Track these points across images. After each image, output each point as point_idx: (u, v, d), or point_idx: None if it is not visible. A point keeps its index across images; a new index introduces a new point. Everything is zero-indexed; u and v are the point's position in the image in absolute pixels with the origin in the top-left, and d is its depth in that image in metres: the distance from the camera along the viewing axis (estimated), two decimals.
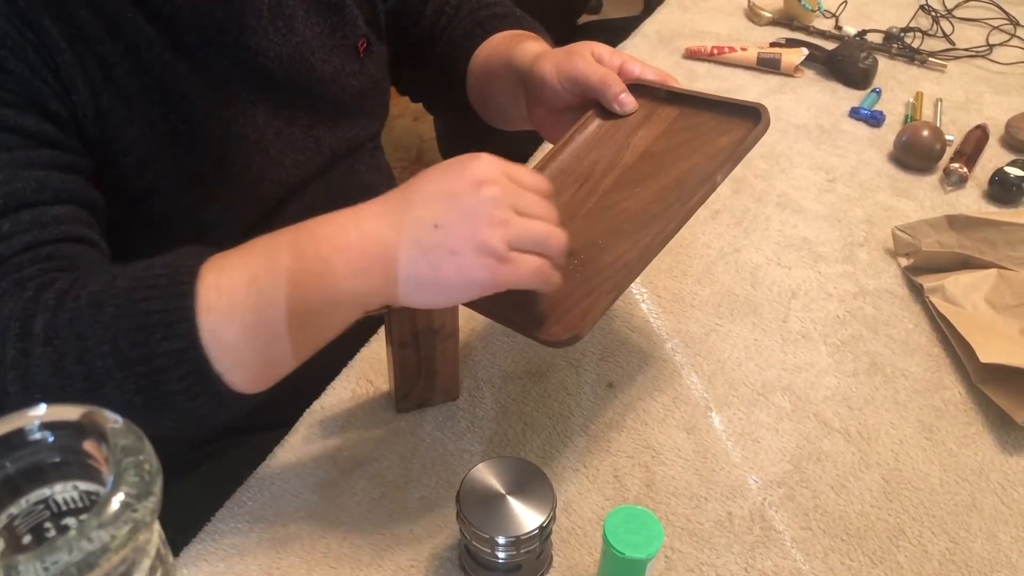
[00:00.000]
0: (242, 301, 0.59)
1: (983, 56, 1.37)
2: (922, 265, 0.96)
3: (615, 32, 1.42)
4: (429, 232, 0.60)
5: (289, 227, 0.63)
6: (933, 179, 1.12)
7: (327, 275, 0.60)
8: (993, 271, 0.93)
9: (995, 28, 1.43)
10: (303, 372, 0.85)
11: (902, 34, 1.38)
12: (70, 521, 0.31)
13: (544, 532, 0.64)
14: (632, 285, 0.95)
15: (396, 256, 0.60)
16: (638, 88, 0.83)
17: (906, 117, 1.22)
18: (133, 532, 0.26)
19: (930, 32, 1.41)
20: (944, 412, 0.83)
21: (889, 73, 1.32)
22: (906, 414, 0.82)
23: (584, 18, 2.33)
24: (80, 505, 0.32)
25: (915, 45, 1.37)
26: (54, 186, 0.67)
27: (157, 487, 0.27)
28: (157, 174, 0.76)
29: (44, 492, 0.31)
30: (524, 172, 0.65)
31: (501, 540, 0.63)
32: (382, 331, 0.83)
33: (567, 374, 0.85)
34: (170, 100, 0.76)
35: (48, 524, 0.32)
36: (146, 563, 0.27)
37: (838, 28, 1.42)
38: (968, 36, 1.42)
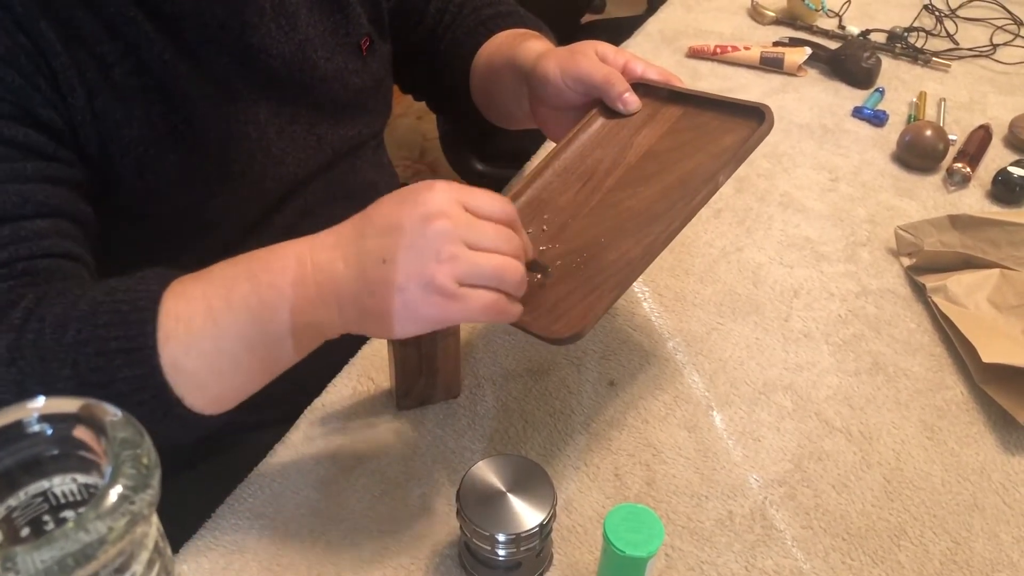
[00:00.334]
0: (199, 330, 0.60)
1: (987, 56, 1.37)
2: (924, 265, 0.96)
3: (618, 31, 1.42)
4: (377, 267, 0.59)
5: (247, 254, 0.63)
6: (936, 179, 1.11)
7: (282, 306, 0.61)
8: (996, 271, 0.92)
9: (999, 28, 1.43)
10: (304, 369, 0.85)
11: (905, 34, 1.38)
12: (69, 514, 0.31)
13: (544, 530, 0.64)
14: (634, 283, 0.94)
15: (346, 290, 0.61)
16: (642, 87, 0.82)
17: (909, 117, 1.22)
18: (131, 524, 0.26)
19: (934, 32, 1.41)
20: (946, 412, 0.82)
21: (892, 73, 1.32)
22: (908, 414, 0.82)
23: (587, 17, 2.32)
24: (79, 498, 0.32)
25: (919, 45, 1.37)
26: (37, 199, 0.66)
27: (155, 480, 0.27)
28: (156, 173, 0.76)
29: (43, 485, 0.31)
30: (483, 200, 0.62)
31: (501, 538, 0.63)
32: None
33: (568, 372, 0.84)
34: (171, 99, 0.76)
35: (47, 517, 0.32)
36: (144, 556, 0.27)
37: (841, 27, 1.42)
38: (972, 36, 1.42)
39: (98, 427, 0.29)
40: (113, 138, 0.73)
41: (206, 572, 0.68)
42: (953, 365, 0.87)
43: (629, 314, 0.91)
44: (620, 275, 0.68)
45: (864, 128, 1.21)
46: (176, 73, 0.76)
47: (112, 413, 0.29)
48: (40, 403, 0.31)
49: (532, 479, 0.66)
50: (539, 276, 0.70)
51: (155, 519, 0.29)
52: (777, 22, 1.44)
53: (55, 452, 0.30)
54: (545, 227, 0.76)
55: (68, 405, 0.31)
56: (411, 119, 2.85)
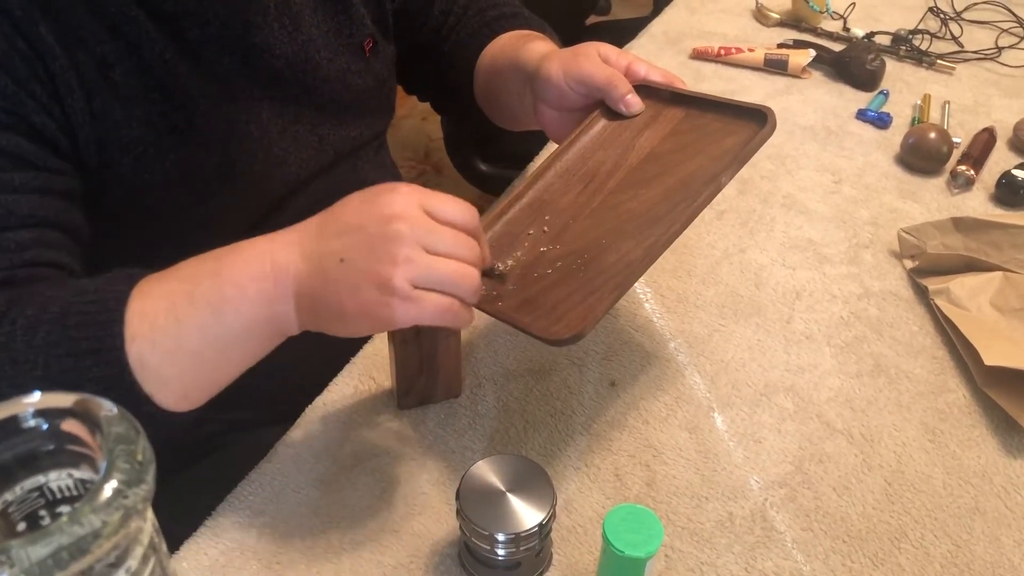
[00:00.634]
0: (163, 327, 0.61)
1: (992, 59, 1.36)
2: (927, 267, 0.96)
3: (623, 33, 1.42)
4: (335, 266, 0.61)
5: (211, 252, 0.65)
6: (940, 181, 1.11)
7: (242, 302, 0.62)
8: (999, 274, 0.92)
9: (1004, 31, 1.42)
10: (305, 369, 0.86)
11: (910, 36, 1.38)
12: (65, 509, 0.31)
13: (544, 530, 0.64)
14: (636, 285, 0.94)
15: (306, 287, 0.62)
16: (644, 89, 0.83)
17: (913, 119, 1.22)
18: (125, 519, 0.26)
19: (938, 34, 1.40)
20: (948, 415, 0.82)
21: (897, 75, 1.32)
22: (909, 416, 0.82)
23: (592, 19, 2.32)
24: (75, 493, 0.32)
25: (923, 47, 1.36)
26: (23, 211, 0.67)
27: (149, 475, 0.27)
28: (156, 172, 0.76)
29: (39, 480, 0.31)
30: (446, 206, 0.63)
31: (500, 537, 0.63)
32: None
33: (570, 373, 0.85)
34: (172, 99, 0.76)
35: (43, 512, 0.32)
36: (139, 551, 0.27)
37: (846, 30, 1.42)
38: (977, 39, 1.41)
39: (93, 422, 0.29)
40: (112, 138, 0.73)
41: (206, 570, 0.68)
42: (955, 368, 0.87)
43: (631, 315, 0.91)
44: (620, 277, 0.68)
45: (868, 130, 1.20)
46: (177, 73, 0.76)
47: (107, 408, 0.29)
48: (35, 398, 0.31)
49: (532, 479, 0.66)
50: (496, 283, 0.71)
51: (150, 514, 0.29)
52: (781, 24, 1.44)
53: (50, 447, 0.30)
54: (546, 228, 0.76)
55: (63, 400, 0.31)
56: (416, 120, 2.85)
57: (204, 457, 0.93)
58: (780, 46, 1.36)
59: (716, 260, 0.98)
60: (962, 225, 0.96)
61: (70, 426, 0.30)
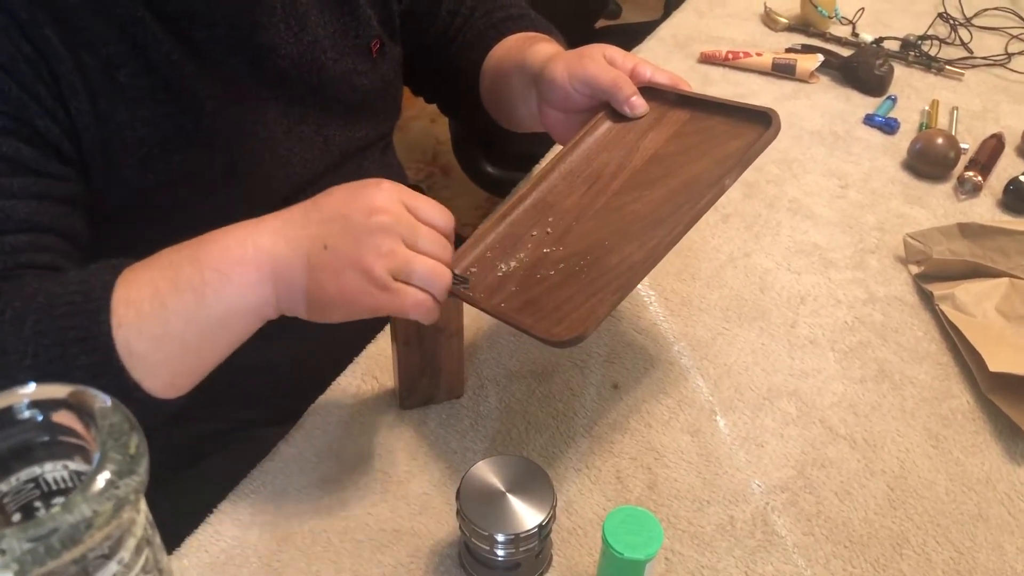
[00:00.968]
0: (148, 313, 0.63)
1: (1001, 65, 1.36)
2: (933, 273, 0.95)
3: (632, 36, 1.42)
4: (319, 252, 0.63)
5: (194, 239, 0.66)
6: (947, 187, 1.11)
7: (223, 287, 0.63)
8: (1005, 280, 0.92)
9: (1014, 37, 1.42)
10: (309, 368, 0.86)
11: (919, 42, 1.37)
12: (60, 501, 0.32)
13: (543, 531, 0.64)
14: (640, 287, 0.94)
15: (286, 272, 0.64)
16: (650, 91, 0.83)
17: (921, 125, 1.21)
18: (117, 509, 0.26)
19: (948, 40, 1.40)
20: (952, 421, 0.82)
21: (905, 81, 1.31)
22: (913, 422, 0.82)
23: (601, 22, 2.33)
24: (70, 485, 0.32)
25: (932, 53, 1.36)
26: (19, 216, 0.68)
27: (141, 467, 0.27)
28: (160, 172, 0.77)
29: (34, 471, 0.31)
30: (425, 205, 0.66)
31: (500, 538, 0.63)
32: (388, 328, 0.83)
33: (572, 375, 0.84)
34: (178, 99, 0.76)
35: (38, 503, 0.32)
36: (131, 542, 0.27)
37: (855, 35, 1.42)
38: (987, 45, 1.41)
39: (87, 414, 0.30)
40: (117, 139, 0.74)
41: (207, 567, 0.69)
42: (960, 374, 0.86)
43: (635, 318, 0.91)
44: (623, 278, 0.68)
45: (875, 136, 1.20)
46: (183, 73, 0.76)
47: (101, 400, 0.29)
48: (30, 389, 0.32)
49: (532, 480, 0.66)
50: (462, 286, 0.72)
51: (144, 507, 0.29)
52: (790, 29, 1.43)
53: (45, 439, 0.31)
54: (549, 230, 0.76)
55: (57, 391, 0.31)
56: (424, 122, 2.86)
57: (208, 456, 0.93)
58: (788, 51, 1.35)
59: (721, 264, 0.98)
60: (968, 231, 0.96)
61: (64, 418, 0.30)
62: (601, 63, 0.83)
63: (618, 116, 0.82)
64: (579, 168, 0.80)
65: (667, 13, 1.70)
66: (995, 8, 1.48)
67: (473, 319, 0.88)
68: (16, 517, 0.31)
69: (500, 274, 0.74)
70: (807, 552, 0.71)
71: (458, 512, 0.65)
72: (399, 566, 0.69)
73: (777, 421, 0.81)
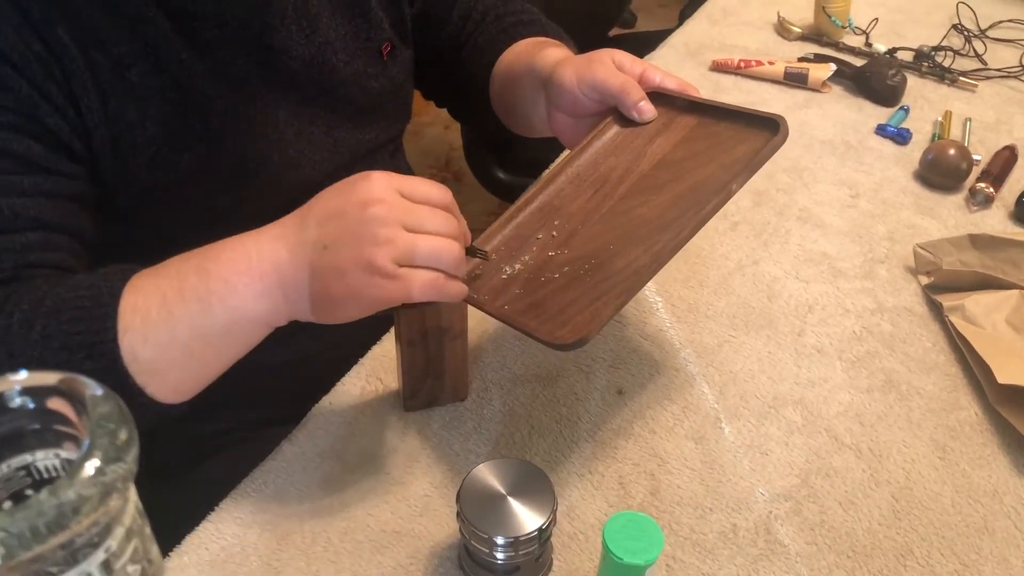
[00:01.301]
0: (155, 321, 0.63)
1: (1016, 77, 1.35)
2: (942, 284, 0.95)
3: (646, 45, 1.42)
4: (319, 253, 0.63)
5: (200, 249, 0.67)
6: (958, 198, 1.10)
7: (229, 296, 0.64)
8: (1016, 292, 0.91)
9: None
10: (314, 370, 0.86)
11: (933, 53, 1.37)
12: None
13: (543, 534, 0.64)
14: (647, 293, 0.94)
15: (291, 278, 0.64)
16: (658, 97, 0.82)
17: (933, 136, 1.21)
18: (104, 496, 0.26)
19: (962, 51, 1.39)
20: (959, 432, 0.81)
21: (918, 91, 1.31)
22: (920, 433, 0.81)
23: (616, 31, 2.33)
24: (61, 473, 0.32)
25: (946, 64, 1.35)
26: (30, 214, 0.68)
27: (130, 456, 0.27)
28: (168, 171, 0.77)
29: (26, 459, 0.31)
30: (418, 185, 0.66)
31: (499, 540, 0.63)
32: (393, 329, 0.84)
33: (577, 379, 0.84)
34: (187, 99, 0.77)
35: (29, 491, 0.32)
36: (119, 531, 0.27)
37: (868, 45, 1.41)
38: (1001, 57, 1.40)
39: (78, 401, 0.30)
40: (127, 138, 0.74)
41: (206, 564, 0.69)
42: (968, 385, 0.86)
43: (641, 324, 0.91)
44: (627, 282, 0.68)
45: (887, 146, 1.19)
46: (193, 73, 0.76)
47: (92, 388, 0.30)
48: (22, 376, 0.32)
49: (533, 483, 0.66)
50: (479, 255, 0.73)
51: (133, 496, 0.29)
52: (803, 38, 1.43)
53: (36, 426, 0.31)
54: (555, 233, 0.76)
55: (48, 379, 0.31)
56: (438, 128, 2.87)
57: (214, 456, 0.93)
58: (801, 60, 1.35)
59: (729, 271, 0.98)
60: (979, 242, 0.95)
61: (56, 405, 0.30)
62: (610, 68, 0.83)
63: (626, 121, 0.82)
64: (586, 172, 0.80)
65: (682, 23, 1.70)
66: (1010, 20, 1.47)
67: (479, 322, 0.88)
68: (7, 505, 0.32)
69: (505, 276, 0.74)
70: (810, 562, 0.71)
71: (458, 514, 0.64)
72: (399, 567, 0.69)
73: (782, 429, 0.81)
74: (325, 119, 0.90)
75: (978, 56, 1.39)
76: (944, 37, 1.42)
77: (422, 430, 0.79)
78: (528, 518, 0.63)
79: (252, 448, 0.80)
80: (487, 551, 0.64)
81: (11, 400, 0.30)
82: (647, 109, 0.81)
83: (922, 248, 0.97)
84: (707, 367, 0.86)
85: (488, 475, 0.66)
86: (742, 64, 1.32)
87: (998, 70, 1.36)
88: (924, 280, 0.96)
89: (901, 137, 1.19)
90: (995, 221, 1.07)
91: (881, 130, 1.21)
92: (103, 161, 0.74)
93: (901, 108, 1.26)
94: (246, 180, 0.83)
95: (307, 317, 0.66)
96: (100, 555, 0.27)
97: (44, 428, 0.30)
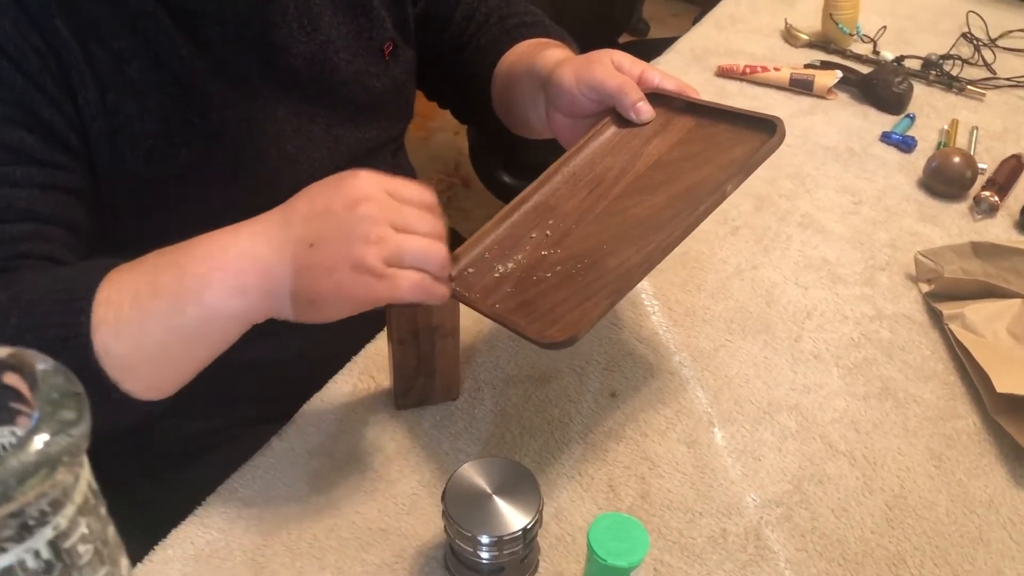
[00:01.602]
0: (127, 317, 0.62)
1: None
2: (943, 292, 0.94)
3: (655, 51, 1.41)
4: (305, 251, 0.62)
5: (177, 244, 0.65)
6: (963, 207, 1.09)
7: (204, 293, 0.62)
8: (1018, 301, 0.90)
9: None
10: (311, 366, 0.86)
11: (941, 61, 1.36)
12: None
13: (528, 535, 0.63)
14: (644, 297, 0.94)
15: (273, 275, 0.63)
16: (657, 98, 0.82)
17: (939, 144, 1.20)
18: (50, 469, 0.26)
19: (971, 60, 1.38)
20: (956, 441, 0.80)
21: (925, 100, 1.30)
22: (915, 441, 0.80)
23: (625, 37, 2.33)
24: None
25: (954, 73, 1.34)
26: (21, 206, 0.68)
27: (78, 430, 0.27)
28: (166, 166, 0.77)
29: None
30: (406, 186, 0.66)
31: (484, 539, 0.62)
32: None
33: (570, 381, 0.84)
34: (187, 94, 0.77)
35: None
36: (69, 509, 0.27)
37: (876, 53, 1.40)
38: (1011, 66, 1.39)
39: (29, 376, 0.29)
40: (125, 132, 0.74)
41: (191, 559, 0.68)
42: (967, 395, 0.85)
43: (636, 327, 0.90)
44: (619, 282, 0.67)
45: (892, 153, 1.19)
46: (193, 68, 0.76)
47: (43, 362, 0.29)
48: None
49: (519, 483, 0.65)
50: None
51: (87, 475, 0.29)
52: (810, 45, 1.42)
53: None
54: (549, 232, 0.76)
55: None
56: (448, 134, 2.87)
57: (207, 453, 0.93)
58: (807, 66, 1.34)
59: (727, 276, 0.97)
60: (981, 250, 0.94)
61: (11, 380, 0.30)
62: (609, 68, 0.83)
63: (624, 122, 0.82)
64: (582, 172, 0.80)
65: None
66: (1020, 30, 1.46)
67: (473, 322, 0.88)
68: None
69: (497, 275, 0.73)
70: (799, 568, 0.70)
71: (443, 513, 0.64)
72: (383, 566, 0.68)
73: (776, 435, 0.80)
74: (325, 117, 0.90)
75: (987, 65, 1.38)
76: (953, 46, 1.41)
77: (412, 429, 0.79)
78: (513, 518, 0.63)
79: (248, 446, 0.80)
80: (471, 550, 0.63)
81: None
82: (645, 110, 0.81)
83: (924, 255, 0.96)
84: (702, 371, 0.86)
85: (474, 474, 0.65)
86: (747, 70, 1.32)
87: (1007, 79, 1.35)
88: (925, 288, 0.95)
89: (906, 144, 1.18)
90: (999, 230, 1.06)
91: (886, 137, 1.20)
92: (100, 154, 0.74)
93: (907, 116, 1.25)
94: (244, 176, 0.83)
95: (287, 315, 0.64)
96: (48, 532, 0.27)
97: (1, 407, 0.30)
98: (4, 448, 0.31)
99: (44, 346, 0.61)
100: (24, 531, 0.26)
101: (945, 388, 0.85)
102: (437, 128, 2.84)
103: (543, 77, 0.88)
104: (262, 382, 0.90)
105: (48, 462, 0.26)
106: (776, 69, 1.31)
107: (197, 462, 0.93)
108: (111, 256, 0.72)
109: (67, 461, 0.26)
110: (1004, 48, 1.43)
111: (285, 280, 0.63)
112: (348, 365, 0.85)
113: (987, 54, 1.40)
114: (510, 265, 0.74)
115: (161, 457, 0.96)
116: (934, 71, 1.34)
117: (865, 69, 1.33)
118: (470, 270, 0.74)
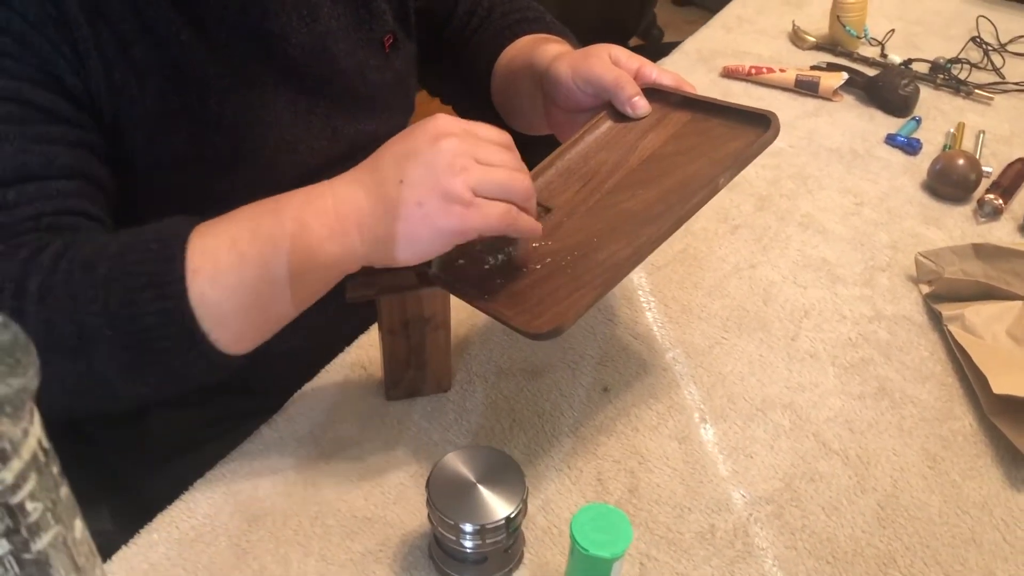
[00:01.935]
0: (225, 263, 0.62)
1: None
2: (943, 293, 0.93)
3: (663, 53, 1.41)
4: (395, 188, 0.63)
5: (272, 196, 0.66)
6: (966, 209, 1.08)
7: (304, 237, 0.63)
8: (1018, 303, 0.89)
9: None
10: (306, 358, 0.86)
11: (949, 65, 1.35)
12: None
13: (511, 524, 0.63)
14: (640, 293, 0.93)
15: (367, 216, 0.63)
16: (654, 93, 0.82)
17: (944, 147, 1.19)
18: None
19: (979, 64, 1.37)
20: (951, 442, 0.79)
21: (932, 103, 1.29)
22: (910, 441, 0.79)
23: (635, 41, 2.32)
24: None
25: (962, 76, 1.33)
26: (62, 161, 0.69)
27: (16, 381, 0.27)
28: (165, 148, 0.77)
29: None
30: (483, 126, 0.67)
31: (467, 528, 0.62)
32: None
33: (563, 375, 0.83)
34: (185, 78, 0.77)
35: None
36: (15, 464, 0.27)
37: (883, 56, 1.40)
38: (1020, 71, 1.37)
39: None
40: (127, 112, 0.75)
41: (175, 542, 0.68)
42: (964, 396, 0.84)
43: (631, 323, 0.90)
44: (608, 274, 0.67)
45: (896, 155, 1.18)
46: (192, 54, 0.77)
47: None
48: None
49: (504, 472, 0.65)
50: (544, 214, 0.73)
51: (36, 431, 0.28)
52: (817, 47, 1.42)
53: None
54: (541, 224, 0.75)
55: None
56: None
57: (205, 443, 0.93)
58: (813, 68, 1.34)
59: (725, 274, 0.97)
60: (983, 252, 0.93)
61: None
62: (606, 62, 0.82)
63: (620, 116, 0.82)
64: (576, 166, 0.80)
65: None
66: None
67: (468, 316, 0.88)
68: None
69: (487, 267, 0.73)
70: (787, 565, 0.69)
71: (427, 500, 0.64)
72: (367, 553, 0.68)
73: (769, 433, 0.79)
74: (324, 107, 0.90)
75: (996, 69, 1.37)
76: (962, 50, 1.40)
77: (402, 420, 0.79)
78: (497, 506, 0.63)
79: (244, 438, 0.80)
80: (454, 538, 0.63)
81: None
82: (641, 104, 0.81)
83: (924, 256, 0.95)
84: (696, 368, 0.85)
85: (459, 463, 0.65)
86: (753, 71, 1.31)
87: (1016, 84, 1.34)
88: (925, 289, 0.95)
89: (911, 147, 1.18)
90: (1003, 233, 1.05)
91: (890, 139, 1.19)
92: (105, 132, 0.75)
93: (913, 119, 1.24)
94: (243, 164, 0.84)
95: (385, 259, 0.64)
96: None
97: None
98: None
99: (135, 294, 0.61)
100: None
101: (943, 389, 0.84)
102: None
103: (541, 71, 0.88)
104: (259, 374, 0.90)
105: None
106: (782, 70, 1.30)
107: (193, 453, 0.93)
108: None
109: (9, 412, 0.26)
110: (1014, 53, 1.42)
111: (381, 221, 0.63)
112: (340, 356, 0.85)
113: (996, 58, 1.39)
114: (501, 257, 0.73)
115: (155, 447, 0.97)
116: (942, 74, 1.33)
117: (872, 72, 1.32)
118: (460, 261, 0.74)
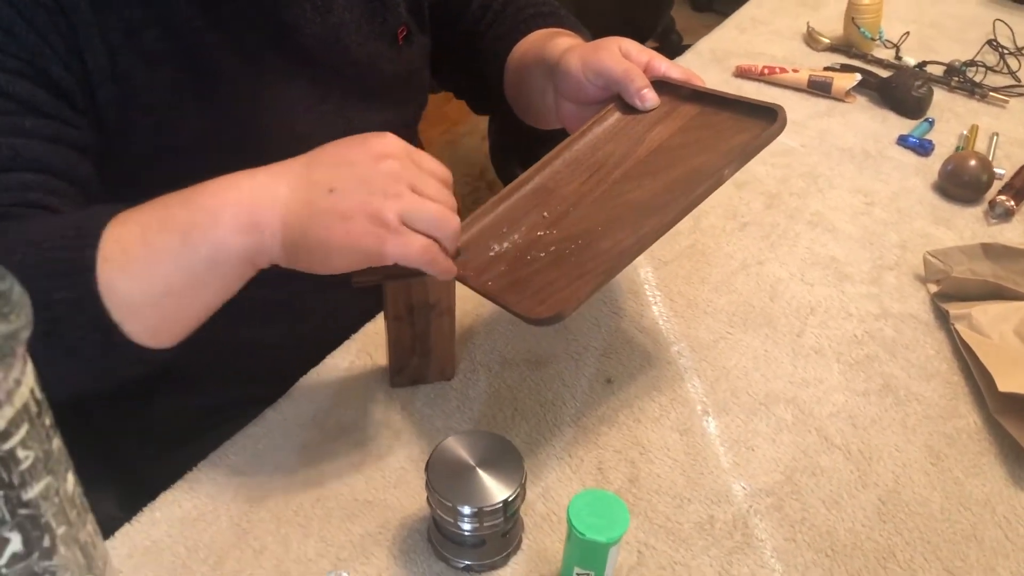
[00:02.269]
0: (134, 252, 0.61)
1: None
2: (951, 292, 0.92)
3: (677, 54, 1.41)
4: (323, 195, 0.61)
5: (194, 185, 0.64)
6: (977, 211, 1.08)
7: (213, 229, 0.61)
8: None
9: None
10: (312, 346, 0.86)
11: (964, 68, 1.34)
12: None
13: (509, 507, 0.63)
14: (646, 287, 0.93)
15: (286, 215, 0.62)
16: (662, 85, 0.82)
17: (957, 148, 1.18)
18: None
19: (995, 68, 1.37)
20: (955, 440, 0.79)
21: (945, 105, 1.28)
22: (913, 438, 0.79)
23: (651, 44, 2.32)
24: None
25: (977, 79, 1.33)
26: (30, 155, 0.68)
27: (4, 327, 0.27)
28: (175, 137, 0.77)
29: None
30: (427, 157, 0.66)
31: (465, 511, 0.62)
32: None
33: (566, 365, 0.84)
34: (198, 67, 0.77)
35: None
36: (8, 410, 0.28)
37: (898, 58, 1.39)
38: None
39: None
40: (133, 100, 0.75)
41: (177, 521, 0.69)
42: (970, 395, 0.83)
43: (637, 316, 0.90)
44: (610, 263, 0.67)
45: (908, 156, 1.17)
46: (205, 43, 0.77)
47: None
48: None
49: (503, 456, 0.65)
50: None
51: (29, 381, 0.29)
52: (832, 49, 1.41)
53: None
54: (546, 213, 0.76)
55: None
56: (476, 139, 2.88)
57: (210, 431, 0.93)
58: (826, 69, 1.33)
59: (733, 270, 0.97)
60: (991, 252, 0.93)
61: None
62: (616, 55, 0.83)
63: (629, 108, 0.82)
64: (584, 156, 0.80)
65: None
66: None
67: (474, 305, 0.88)
68: None
69: (492, 254, 0.73)
70: (786, 557, 0.69)
71: (426, 483, 0.64)
72: (367, 536, 0.69)
73: (771, 427, 0.79)
74: (337, 98, 0.90)
75: (1011, 73, 1.36)
76: (978, 53, 1.40)
77: (406, 406, 0.79)
78: (495, 490, 0.63)
79: (245, 424, 0.81)
80: (452, 521, 0.63)
81: None
82: (650, 96, 0.81)
83: (933, 255, 0.95)
84: (700, 362, 0.85)
85: (458, 446, 0.66)
86: (766, 71, 1.31)
87: None
88: (933, 288, 0.94)
89: (923, 148, 1.17)
90: (1014, 235, 1.04)
91: (903, 140, 1.19)
92: (107, 120, 0.75)
93: (925, 120, 1.24)
94: (252, 154, 0.83)
95: (294, 261, 0.63)
96: None
97: None
98: None
99: (47, 281, 0.60)
100: None
101: (948, 387, 0.84)
102: (465, 133, 2.85)
103: (551, 64, 0.88)
104: (264, 362, 0.90)
105: None
106: (795, 71, 1.30)
107: (197, 440, 0.93)
108: None
109: None
110: None
111: (299, 223, 0.61)
112: (346, 342, 0.85)
113: (1012, 62, 1.38)
114: (506, 244, 0.74)
115: (161, 435, 0.97)
116: (956, 77, 1.33)
117: (886, 73, 1.32)
118: (465, 248, 0.74)
